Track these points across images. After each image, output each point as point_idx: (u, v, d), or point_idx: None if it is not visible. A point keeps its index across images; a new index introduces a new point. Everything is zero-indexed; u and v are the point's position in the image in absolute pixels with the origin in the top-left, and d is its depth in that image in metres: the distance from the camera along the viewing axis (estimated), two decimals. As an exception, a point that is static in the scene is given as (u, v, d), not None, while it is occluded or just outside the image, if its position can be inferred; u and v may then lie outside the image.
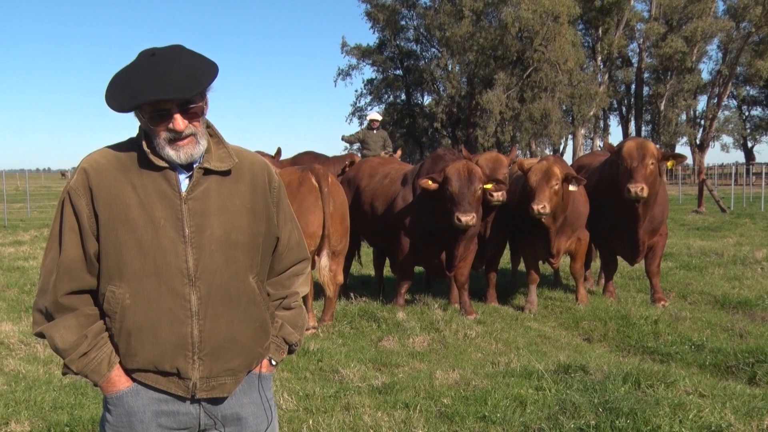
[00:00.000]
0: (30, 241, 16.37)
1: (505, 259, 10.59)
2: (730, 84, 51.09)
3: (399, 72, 52.63)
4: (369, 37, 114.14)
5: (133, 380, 2.30)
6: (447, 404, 4.96)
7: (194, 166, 2.28)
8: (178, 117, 2.18)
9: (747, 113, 61.98)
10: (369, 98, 53.05)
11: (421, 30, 50.05)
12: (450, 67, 47.41)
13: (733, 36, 48.13)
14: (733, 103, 59.41)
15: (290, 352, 2.57)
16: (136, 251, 2.21)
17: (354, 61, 52.02)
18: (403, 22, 50.82)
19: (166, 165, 2.24)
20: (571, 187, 8.16)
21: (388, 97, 53.94)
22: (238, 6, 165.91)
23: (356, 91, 54.25)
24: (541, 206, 7.86)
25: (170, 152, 2.21)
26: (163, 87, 2.12)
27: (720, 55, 51.68)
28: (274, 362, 2.50)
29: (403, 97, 53.51)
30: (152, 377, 2.29)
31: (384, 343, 7.00)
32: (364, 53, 51.63)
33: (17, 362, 6.31)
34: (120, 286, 2.23)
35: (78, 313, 2.26)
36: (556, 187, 8.02)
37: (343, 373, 5.82)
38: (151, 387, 2.30)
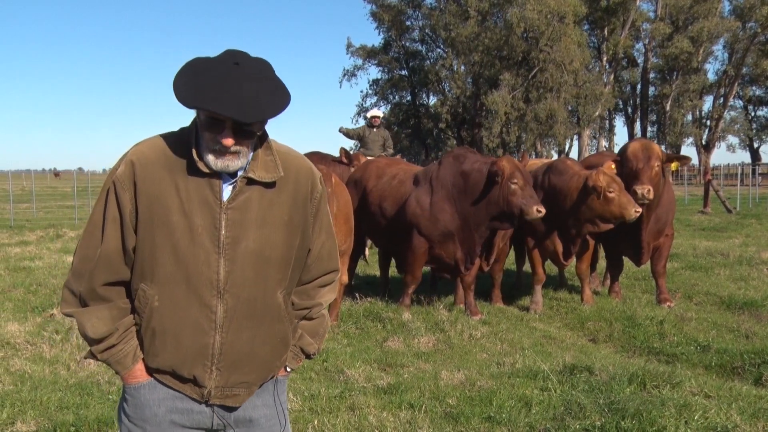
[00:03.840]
0: (36, 241, 16.38)
1: (510, 260, 10.58)
2: (736, 84, 51.04)
3: (404, 72, 52.69)
4: (374, 38, 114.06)
5: (153, 377, 2.34)
6: (452, 405, 4.96)
7: (239, 174, 2.26)
8: (228, 134, 2.16)
9: (753, 113, 61.90)
10: (374, 99, 53.13)
11: (427, 30, 50.10)
12: (455, 67, 47.45)
13: (740, 36, 48.08)
14: (739, 103, 59.38)
15: (308, 358, 2.59)
16: (170, 256, 2.22)
17: (359, 61, 52.17)
18: (408, 23, 50.91)
19: (209, 171, 2.23)
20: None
21: (394, 97, 54.03)
22: (243, 7, 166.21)
23: (361, 91, 54.53)
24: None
25: (209, 157, 2.19)
26: (227, 103, 2.09)
27: (726, 55, 51.66)
28: (289, 368, 2.52)
29: (409, 97, 53.57)
30: (170, 379, 2.32)
31: (389, 344, 7.00)
32: (369, 54, 51.70)
33: (23, 362, 6.32)
34: (151, 287, 2.25)
35: (112, 306, 2.29)
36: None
37: (348, 374, 5.82)
38: (167, 386, 2.34)
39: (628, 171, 8.17)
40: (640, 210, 7.87)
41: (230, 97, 2.10)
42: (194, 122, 2.27)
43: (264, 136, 2.33)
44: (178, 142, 2.29)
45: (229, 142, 2.16)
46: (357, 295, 8.79)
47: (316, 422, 4.64)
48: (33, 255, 13.62)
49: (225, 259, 2.23)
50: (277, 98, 2.19)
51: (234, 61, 2.17)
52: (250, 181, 2.27)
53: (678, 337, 7.25)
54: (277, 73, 2.26)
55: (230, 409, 2.39)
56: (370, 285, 10.36)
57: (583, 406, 4.75)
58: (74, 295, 2.31)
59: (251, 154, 2.26)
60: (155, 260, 2.23)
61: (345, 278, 7.84)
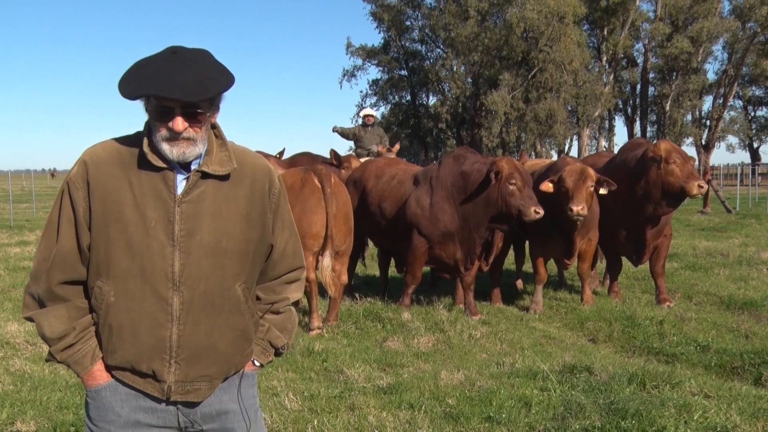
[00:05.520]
0: (36, 241, 16.36)
1: (509, 260, 10.58)
2: (735, 84, 50.97)
3: (404, 72, 52.67)
4: (374, 38, 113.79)
5: (113, 377, 2.33)
6: (452, 405, 4.96)
7: (192, 168, 2.27)
8: (179, 119, 2.17)
9: (753, 114, 61.85)
10: (374, 99, 53.10)
11: (426, 30, 50.08)
12: (455, 67, 47.45)
13: (739, 36, 48.01)
14: (739, 103, 59.29)
15: (277, 354, 2.57)
16: (124, 250, 2.23)
17: (359, 61, 52.15)
18: (408, 23, 50.92)
19: (164, 166, 2.24)
20: (602, 191, 8.18)
21: (393, 97, 54.02)
22: (243, 7, 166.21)
23: (361, 91, 54.51)
24: (581, 207, 7.89)
25: (165, 147, 2.19)
26: (170, 85, 2.11)
27: (725, 55, 51.55)
28: (257, 363, 2.50)
29: (408, 97, 53.56)
30: (129, 376, 2.31)
31: (389, 344, 7.00)
32: (369, 54, 51.67)
33: (23, 362, 6.33)
34: (106, 283, 2.26)
35: (69, 305, 2.30)
36: (591, 189, 8.08)
37: (348, 374, 5.82)
38: (128, 385, 2.33)
39: (678, 167, 8.21)
40: (584, 213, 7.91)
41: (173, 79, 2.12)
42: (146, 124, 2.29)
43: (220, 135, 2.36)
44: (132, 142, 2.32)
45: (179, 125, 2.17)
46: (357, 295, 8.79)
47: (315, 422, 4.64)
48: (32, 255, 13.54)
49: (180, 251, 2.24)
50: (221, 77, 2.22)
51: (172, 51, 2.21)
52: (205, 175, 2.28)
53: (677, 337, 7.25)
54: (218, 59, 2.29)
55: (193, 405, 2.36)
56: (369, 285, 10.36)
57: (582, 406, 4.75)
58: (33, 298, 2.33)
59: (206, 143, 2.27)
60: (110, 256, 2.24)
61: (345, 278, 7.84)
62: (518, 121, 43.12)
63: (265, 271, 2.50)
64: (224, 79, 2.22)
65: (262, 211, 2.39)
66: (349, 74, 52.29)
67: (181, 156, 2.21)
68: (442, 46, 49.17)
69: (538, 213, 7.62)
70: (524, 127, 43.49)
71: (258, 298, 2.50)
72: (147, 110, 2.23)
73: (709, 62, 57.14)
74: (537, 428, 4.57)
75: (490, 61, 44.06)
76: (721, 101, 51.02)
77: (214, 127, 2.35)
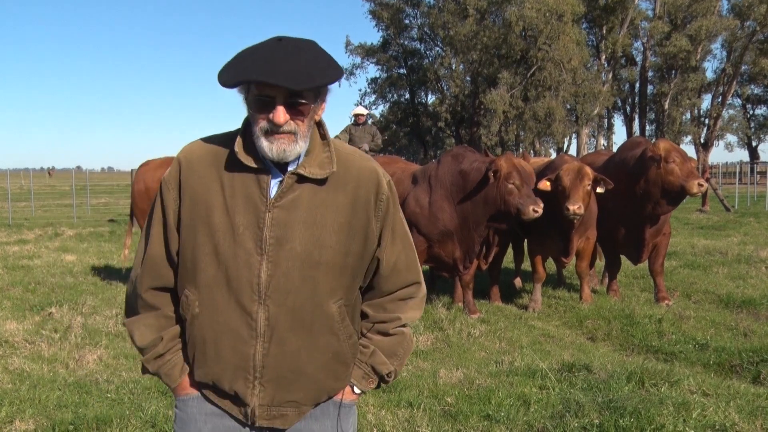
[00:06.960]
0: (34, 239, 16.39)
1: (508, 258, 10.58)
2: (734, 83, 50.97)
3: (403, 71, 52.69)
4: (373, 36, 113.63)
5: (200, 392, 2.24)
6: (451, 403, 4.96)
7: (288, 170, 2.07)
8: (280, 109, 1.98)
9: (751, 112, 61.88)
10: (373, 97, 53.11)
11: (425, 29, 50.08)
12: (454, 66, 47.43)
13: (738, 34, 48.00)
14: (738, 101, 59.32)
15: (383, 381, 2.30)
16: (211, 258, 2.07)
17: (358, 60, 52.16)
18: (407, 21, 50.91)
19: (257, 166, 2.06)
20: (599, 190, 8.19)
21: (392, 96, 54.02)
22: (242, 6, 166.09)
23: (360, 90, 54.53)
24: (577, 206, 7.91)
25: (263, 143, 2.01)
26: (272, 71, 1.92)
27: (724, 53, 51.53)
28: (358, 390, 2.26)
29: (407, 96, 53.56)
30: (212, 395, 2.19)
31: (388, 342, 6.99)
32: (368, 52, 51.68)
33: (21, 361, 6.33)
34: (193, 292, 2.11)
35: (159, 314, 2.20)
36: (588, 188, 8.09)
37: (347, 372, 5.80)
38: (214, 403, 2.20)
39: (678, 166, 8.23)
40: (580, 212, 7.95)
41: (276, 66, 1.94)
42: (245, 121, 2.12)
43: (325, 134, 2.17)
44: (230, 139, 2.13)
45: (281, 117, 1.98)
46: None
47: (314, 421, 4.63)
48: (31, 253, 13.63)
49: (267, 261, 2.05)
50: (328, 68, 2.02)
51: (277, 39, 2.03)
52: (301, 179, 2.08)
53: (676, 335, 7.25)
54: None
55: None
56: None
57: (581, 405, 4.75)
58: (128, 302, 2.26)
59: (307, 141, 2.07)
60: (197, 263, 2.09)
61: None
62: (517, 120, 43.10)
63: (375, 286, 2.27)
64: (332, 71, 2.01)
65: (366, 221, 2.15)
66: (348, 72, 52.29)
67: (281, 155, 2.02)
68: (440, 45, 49.17)
69: (536, 212, 7.61)
70: (523, 126, 43.46)
71: (366, 315, 2.29)
72: (246, 101, 2.05)
73: (707, 60, 57.35)
74: (536, 426, 4.57)
75: (489, 60, 44.02)
76: (719, 100, 51.01)
77: (320, 125, 2.15)
